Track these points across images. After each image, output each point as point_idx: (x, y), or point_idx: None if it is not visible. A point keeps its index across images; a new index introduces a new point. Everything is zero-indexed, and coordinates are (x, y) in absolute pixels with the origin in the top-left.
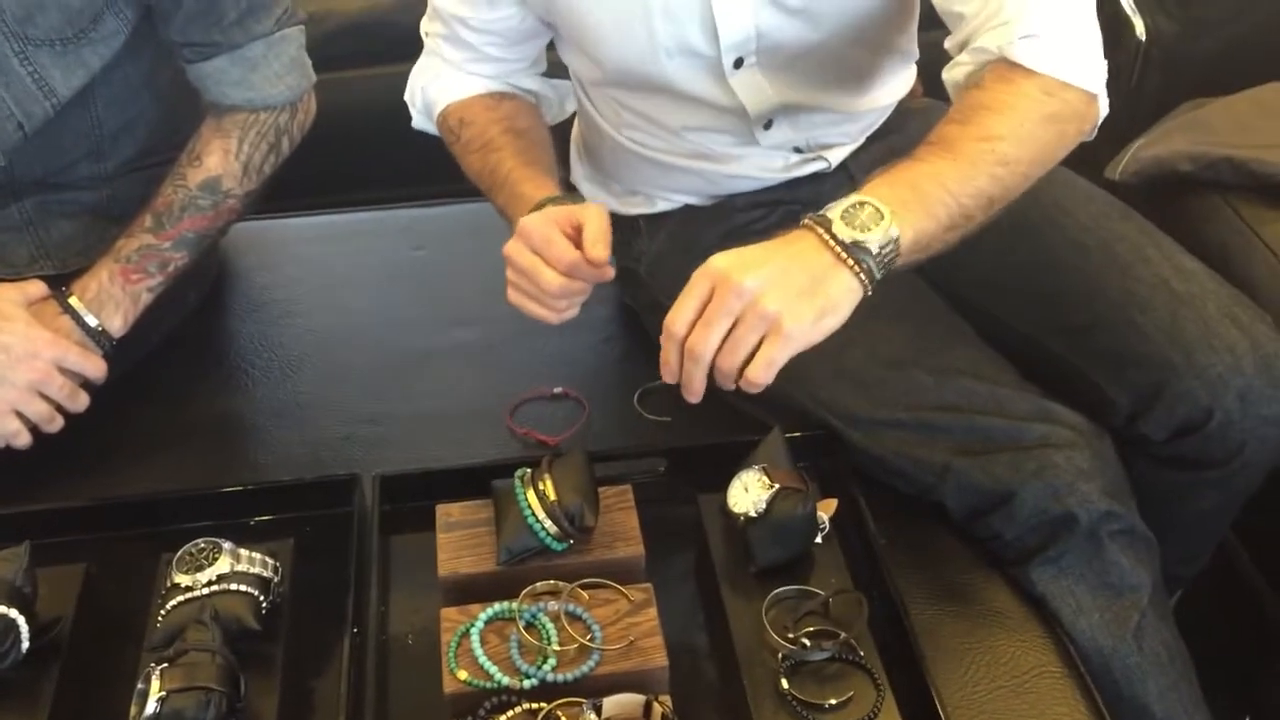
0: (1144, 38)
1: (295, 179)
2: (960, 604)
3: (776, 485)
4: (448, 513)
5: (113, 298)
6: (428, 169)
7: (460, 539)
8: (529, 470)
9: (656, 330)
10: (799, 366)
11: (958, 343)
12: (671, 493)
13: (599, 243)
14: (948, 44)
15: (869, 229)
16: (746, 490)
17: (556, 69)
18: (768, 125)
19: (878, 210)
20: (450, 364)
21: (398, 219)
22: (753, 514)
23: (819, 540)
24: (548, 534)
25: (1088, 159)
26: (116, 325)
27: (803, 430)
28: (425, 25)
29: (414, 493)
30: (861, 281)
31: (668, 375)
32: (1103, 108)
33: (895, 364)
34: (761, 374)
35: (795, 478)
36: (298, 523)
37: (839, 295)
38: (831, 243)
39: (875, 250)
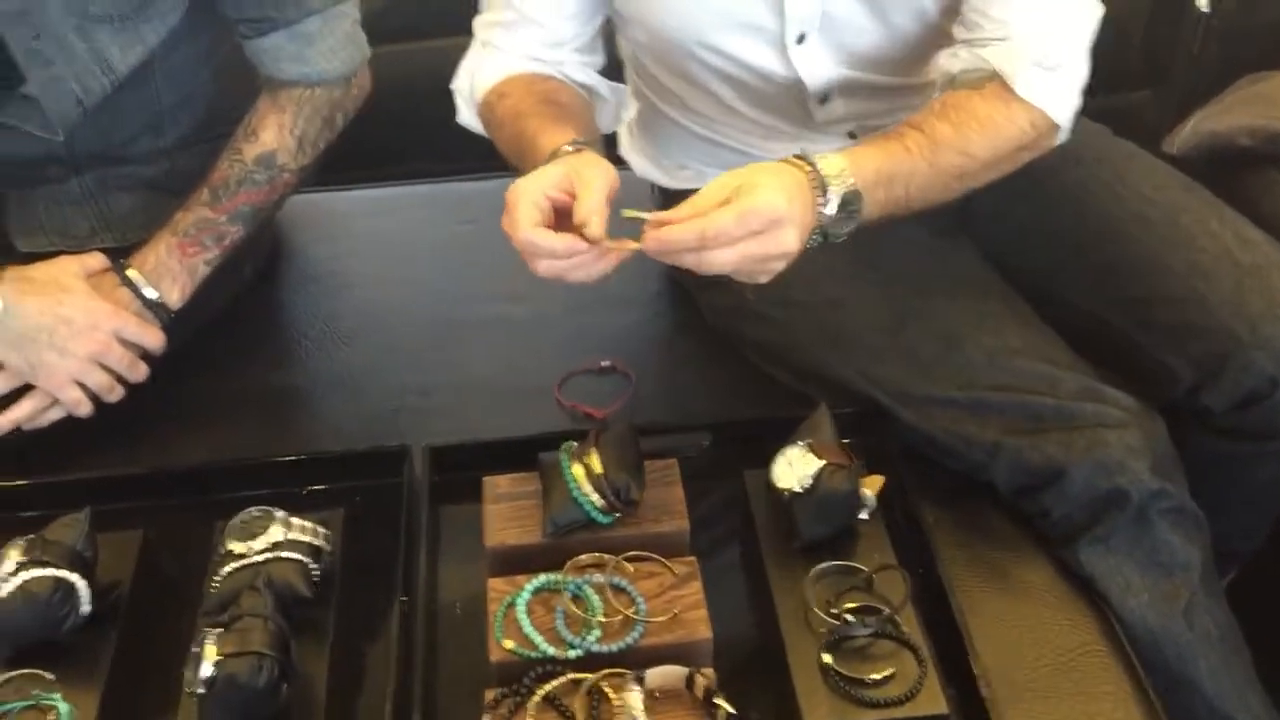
0: (1206, 8)
1: (350, 152)
2: (1005, 581)
3: (822, 461)
4: (496, 484)
5: (170, 270)
6: (481, 143)
7: (508, 510)
8: (575, 444)
9: (707, 307)
10: (850, 342)
11: (1012, 319)
12: (717, 467)
13: (590, 219)
14: (955, 31)
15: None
16: (791, 465)
17: (615, 74)
18: (824, 100)
19: (859, 210)
20: (500, 337)
21: (450, 192)
22: (797, 489)
23: (864, 516)
24: (594, 507)
25: (1148, 133)
26: (174, 297)
27: (849, 406)
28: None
29: (463, 464)
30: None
31: (664, 229)
32: (1062, 137)
33: (949, 340)
34: None
35: (840, 453)
36: (349, 492)
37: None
38: (821, 215)
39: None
